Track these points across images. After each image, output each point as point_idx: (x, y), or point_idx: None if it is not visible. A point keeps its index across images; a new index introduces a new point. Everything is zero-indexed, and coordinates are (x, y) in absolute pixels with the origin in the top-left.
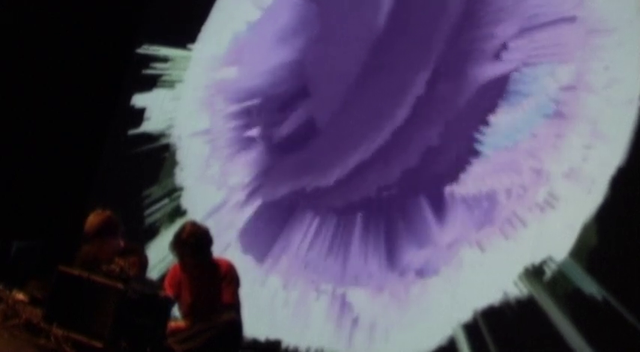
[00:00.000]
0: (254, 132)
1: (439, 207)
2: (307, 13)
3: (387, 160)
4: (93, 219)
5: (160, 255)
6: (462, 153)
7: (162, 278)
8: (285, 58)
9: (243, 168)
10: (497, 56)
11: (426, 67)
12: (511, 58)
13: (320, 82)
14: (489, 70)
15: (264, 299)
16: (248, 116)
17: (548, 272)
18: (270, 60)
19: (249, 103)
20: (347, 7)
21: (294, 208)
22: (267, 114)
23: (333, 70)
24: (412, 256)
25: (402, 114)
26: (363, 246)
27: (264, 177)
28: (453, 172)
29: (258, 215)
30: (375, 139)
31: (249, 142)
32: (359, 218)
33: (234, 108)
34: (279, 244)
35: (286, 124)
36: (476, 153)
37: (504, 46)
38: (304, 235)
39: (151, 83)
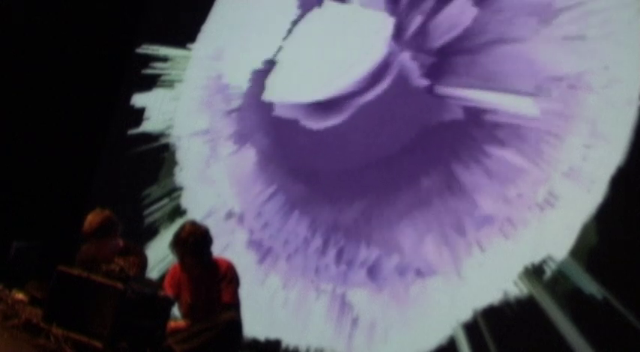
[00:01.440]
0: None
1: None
2: None
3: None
4: (92, 219)
5: (159, 255)
6: None
7: (162, 278)
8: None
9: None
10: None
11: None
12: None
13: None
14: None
15: (263, 298)
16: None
17: (548, 272)
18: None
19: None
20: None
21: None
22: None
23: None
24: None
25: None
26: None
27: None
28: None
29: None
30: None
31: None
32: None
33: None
34: None
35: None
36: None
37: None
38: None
39: (150, 83)
